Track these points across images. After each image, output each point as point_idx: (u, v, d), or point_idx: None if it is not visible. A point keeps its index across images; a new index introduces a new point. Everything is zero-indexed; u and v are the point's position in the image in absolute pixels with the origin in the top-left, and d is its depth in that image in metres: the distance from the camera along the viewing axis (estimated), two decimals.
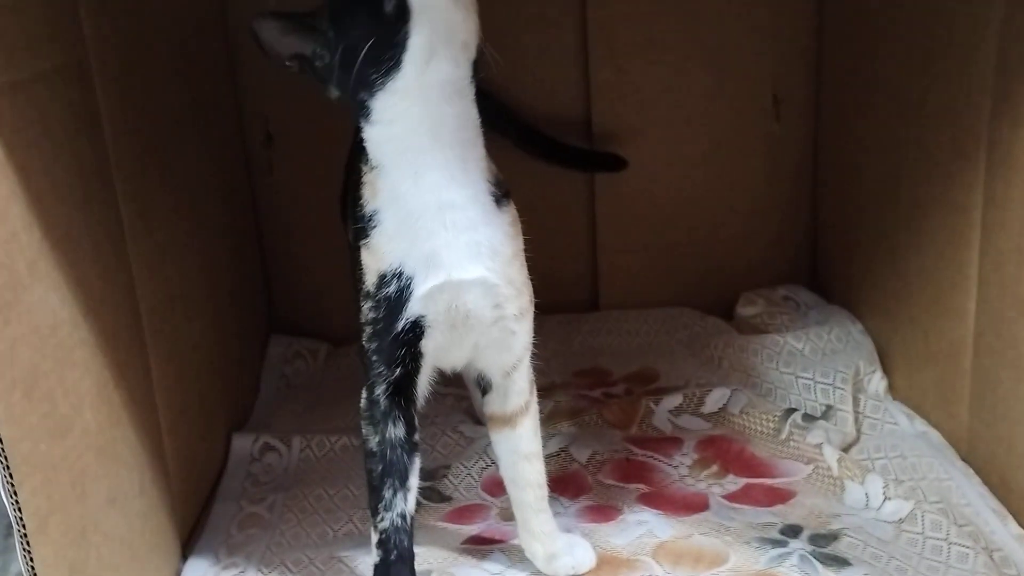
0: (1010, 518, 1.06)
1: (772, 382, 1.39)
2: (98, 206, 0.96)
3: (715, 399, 1.35)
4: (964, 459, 1.17)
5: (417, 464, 0.99)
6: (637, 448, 1.28)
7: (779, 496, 1.17)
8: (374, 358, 0.96)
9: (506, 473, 1.04)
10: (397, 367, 0.95)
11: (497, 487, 1.21)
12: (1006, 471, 1.09)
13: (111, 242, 0.99)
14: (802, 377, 1.37)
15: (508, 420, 1.02)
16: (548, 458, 1.25)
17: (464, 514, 1.18)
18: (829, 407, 1.31)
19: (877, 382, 1.36)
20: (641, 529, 1.10)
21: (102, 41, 0.99)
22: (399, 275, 0.92)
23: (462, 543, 1.11)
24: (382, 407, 0.97)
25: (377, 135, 0.90)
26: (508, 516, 1.15)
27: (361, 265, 0.95)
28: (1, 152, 0.79)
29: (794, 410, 1.29)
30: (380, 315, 0.94)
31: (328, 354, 1.59)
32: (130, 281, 1.03)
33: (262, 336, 1.59)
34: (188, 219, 1.23)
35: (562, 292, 1.56)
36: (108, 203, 0.99)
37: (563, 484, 1.21)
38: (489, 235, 0.92)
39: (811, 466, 1.21)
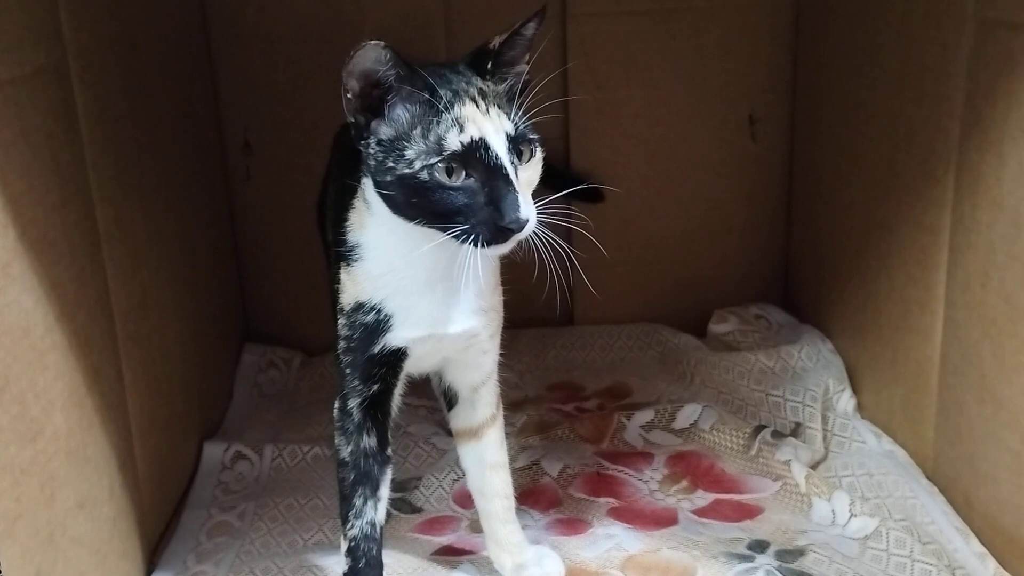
0: (972, 536, 1.08)
1: (743, 399, 1.41)
2: (74, 209, 0.96)
3: (686, 415, 1.36)
4: (929, 477, 1.19)
5: (389, 475, 1.00)
6: (608, 462, 1.28)
7: (747, 512, 1.18)
8: (348, 371, 0.96)
9: (473, 484, 1.05)
10: (374, 384, 0.96)
11: (467, 499, 1.22)
12: (970, 489, 1.11)
13: (86, 246, 0.99)
14: (772, 395, 1.39)
15: (475, 432, 1.04)
16: (519, 471, 1.26)
17: (435, 525, 1.18)
18: (798, 425, 1.33)
19: (846, 401, 1.37)
20: (610, 542, 1.10)
21: (82, 46, 0.99)
22: (378, 310, 0.93)
23: (432, 554, 1.12)
24: (355, 419, 0.97)
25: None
26: (478, 528, 1.15)
27: (339, 279, 0.95)
28: None
29: (763, 427, 1.30)
30: (355, 335, 0.94)
31: (302, 363, 1.59)
32: (104, 286, 1.03)
33: (236, 344, 1.59)
34: (164, 226, 1.23)
35: (537, 307, 1.57)
36: (84, 207, 0.99)
37: (534, 497, 1.22)
38: (476, 286, 0.92)
39: (779, 483, 1.22)
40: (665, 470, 1.27)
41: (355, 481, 0.97)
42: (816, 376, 1.40)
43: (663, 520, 1.17)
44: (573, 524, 1.16)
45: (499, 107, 0.86)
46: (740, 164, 1.63)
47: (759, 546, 1.10)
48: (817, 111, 1.51)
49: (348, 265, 0.94)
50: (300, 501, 1.22)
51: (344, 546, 0.98)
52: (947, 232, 1.12)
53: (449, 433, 1.35)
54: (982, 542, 1.07)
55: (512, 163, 0.84)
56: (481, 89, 0.87)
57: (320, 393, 1.50)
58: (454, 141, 0.83)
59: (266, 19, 1.53)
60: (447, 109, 0.84)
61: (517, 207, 0.83)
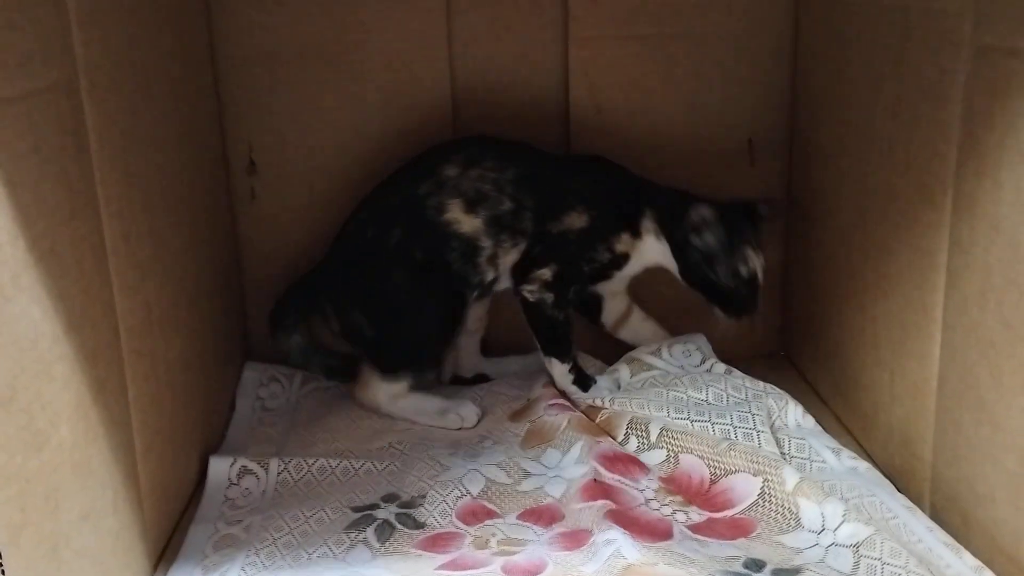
0: (964, 550, 1.08)
1: (693, 432, 1.35)
2: (83, 223, 0.97)
3: (656, 426, 1.36)
4: (927, 498, 1.20)
5: None
6: (605, 470, 1.29)
7: (741, 529, 1.19)
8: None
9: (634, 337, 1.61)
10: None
11: (471, 516, 1.23)
12: (968, 510, 1.11)
13: (94, 260, 1.00)
14: (719, 423, 1.35)
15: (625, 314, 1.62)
16: (523, 494, 1.28)
17: (438, 542, 1.18)
18: (758, 447, 1.31)
19: (793, 411, 1.38)
20: (609, 549, 1.10)
21: (92, 62, 1.01)
22: None
23: (435, 569, 1.11)
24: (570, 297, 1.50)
25: None
26: (482, 545, 1.16)
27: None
28: None
29: (727, 439, 1.32)
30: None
31: (303, 380, 1.59)
32: (111, 299, 1.04)
33: (239, 362, 1.60)
34: (169, 241, 1.24)
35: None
36: (92, 221, 1.00)
37: (536, 514, 1.23)
38: None
39: (760, 478, 1.23)
40: (659, 483, 1.28)
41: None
42: (756, 402, 1.39)
43: (658, 532, 1.17)
44: (575, 536, 1.16)
45: (759, 249, 1.44)
46: (739, 188, 1.64)
47: (755, 565, 1.10)
48: (815, 136, 1.53)
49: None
50: (305, 514, 1.22)
51: (569, 364, 1.48)
52: (944, 255, 1.14)
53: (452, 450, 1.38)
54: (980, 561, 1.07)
55: None
56: (754, 238, 1.44)
57: (323, 409, 1.51)
58: (745, 271, 1.43)
59: (272, 39, 1.55)
60: (741, 249, 1.42)
61: (756, 308, 1.45)
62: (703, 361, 1.55)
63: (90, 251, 0.99)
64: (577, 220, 1.43)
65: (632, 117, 1.60)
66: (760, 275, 1.42)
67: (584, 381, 1.49)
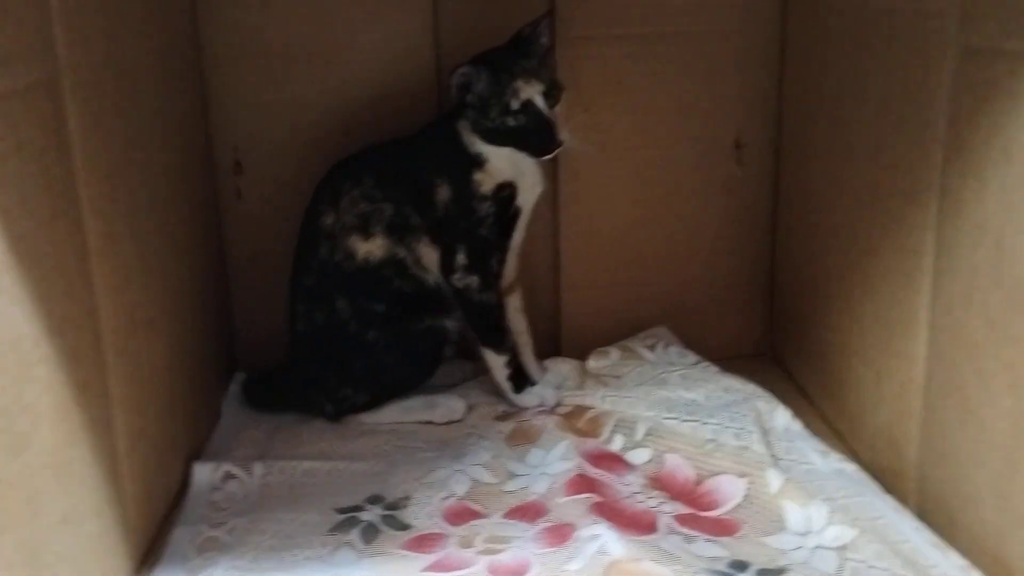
0: (952, 550, 1.08)
1: (682, 433, 1.36)
2: (65, 224, 0.97)
3: (642, 428, 1.37)
4: (913, 498, 1.20)
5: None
6: (591, 465, 1.29)
7: (725, 528, 1.19)
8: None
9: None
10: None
11: (457, 516, 1.22)
12: (954, 511, 1.11)
13: (76, 260, 0.99)
14: (709, 423, 1.36)
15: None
16: (509, 495, 1.27)
17: (424, 542, 1.17)
18: (745, 448, 1.31)
19: (782, 415, 1.38)
20: (594, 545, 1.10)
21: (75, 61, 1.00)
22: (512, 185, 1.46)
23: (421, 570, 1.11)
24: (495, 272, 1.46)
25: None
26: (467, 544, 1.15)
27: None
28: None
29: (713, 439, 1.32)
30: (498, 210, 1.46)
31: None
32: (93, 301, 1.03)
33: (225, 363, 1.59)
34: (154, 243, 1.23)
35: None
36: (75, 221, 0.99)
37: (522, 511, 1.23)
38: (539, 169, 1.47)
39: (745, 480, 1.23)
40: (644, 480, 1.28)
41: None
42: (746, 404, 1.40)
43: (643, 525, 1.17)
44: (559, 531, 1.16)
45: (535, 76, 1.35)
46: (726, 188, 1.65)
47: (740, 566, 1.10)
48: (802, 136, 1.53)
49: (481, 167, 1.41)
50: (290, 516, 1.22)
51: (505, 357, 1.47)
52: (931, 256, 1.14)
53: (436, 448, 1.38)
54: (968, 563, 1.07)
55: (549, 108, 1.35)
56: (523, 67, 1.35)
57: (309, 413, 1.50)
58: (516, 104, 1.34)
59: (258, 39, 1.54)
60: (508, 84, 1.34)
61: (555, 136, 1.34)
62: (698, 363, 1.56)
63: (72, 252, 0.98)
64: (443, 193, 1.42)
65: (619, 117, 1.60)
66: (539, 100, 1.35)
67: (519, 381, 1.49)
